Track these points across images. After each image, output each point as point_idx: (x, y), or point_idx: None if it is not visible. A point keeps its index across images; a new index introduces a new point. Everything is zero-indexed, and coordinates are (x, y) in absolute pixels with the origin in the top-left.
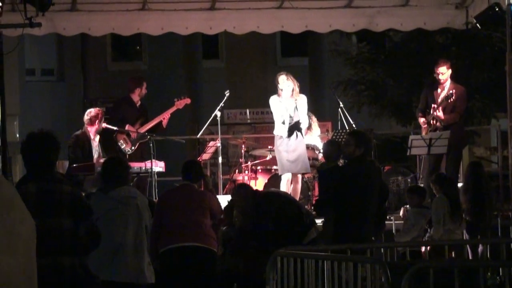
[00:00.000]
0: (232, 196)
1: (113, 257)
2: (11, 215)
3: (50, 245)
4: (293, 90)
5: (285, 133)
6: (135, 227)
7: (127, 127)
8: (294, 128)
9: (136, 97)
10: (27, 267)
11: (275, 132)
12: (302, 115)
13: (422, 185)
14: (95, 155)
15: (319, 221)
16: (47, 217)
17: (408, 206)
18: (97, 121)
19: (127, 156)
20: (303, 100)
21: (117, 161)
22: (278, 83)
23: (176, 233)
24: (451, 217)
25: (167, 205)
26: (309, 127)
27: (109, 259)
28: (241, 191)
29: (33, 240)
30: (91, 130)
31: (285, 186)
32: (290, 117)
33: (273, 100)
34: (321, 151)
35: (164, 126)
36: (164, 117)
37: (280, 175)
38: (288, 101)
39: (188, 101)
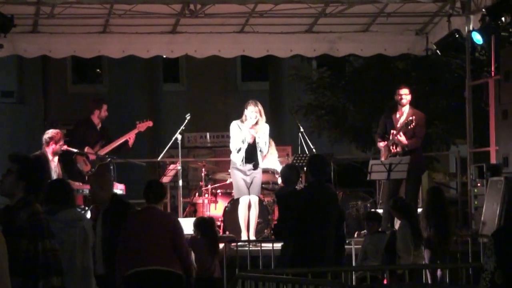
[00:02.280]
0: None
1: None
2: None
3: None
4: (256, 124)
5: (239, 162)
6: (82, 250)
7: (86, 149)
8: (250, 161)
9: (96, 119)
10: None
11: (232, 157)
12: (261, 143)
13: (381, 210)
14: (54, 176)
15: (278, 245)
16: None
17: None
18: (52, 142)
19: (86, 178)
20: (265, 128)
21: (63, 183)
22: (245, 108)
23: (139, 257)
24: (414, 242)
25: (131, 229)
26: (263, 156)
27: None
28: None
29: (4, 259)
30: (48, 151)
31: (243, 209)
32: (249, 145)
33: (233, 126)
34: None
35: (130, 145)
36: (129, 138)
37: (238, 199)
38: (248, 130)
39: (150, 124)
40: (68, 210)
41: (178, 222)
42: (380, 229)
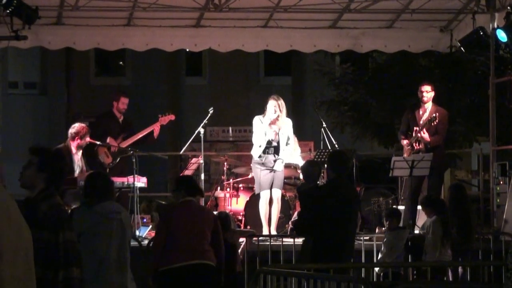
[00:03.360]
0: None
1: (96, 272)
2: (11, 226)
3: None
4: (277, 119)
5: (257, 156)
6: (119, 242)
7: (108, 139)
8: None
9: (116, 111)
10: (26, 276)
11: (252, 152)
12: (283, 139)
13: (403, 206)
14: (77, 170)
15: (299, 240)
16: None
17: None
18: (77, 137)
19: (108, 170)
20: (287, 124)
21: (102, 175)
22: (266, 103)
23: (182, 251)
24: (443, 240)
25: (171, 222)
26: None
27: (93, 274)
28: None
29: (31, 250)
30: (72, 145)
31: (264, 204)
32: (270, 141)
33: (256, 121)
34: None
35: (155, 137)
36: (155, 129)
37: (259, 193)
38: (269, 127)
39: (172, 117)
40: (105, 203)
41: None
42: (400, 225)
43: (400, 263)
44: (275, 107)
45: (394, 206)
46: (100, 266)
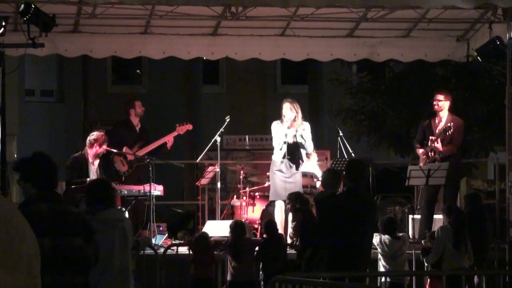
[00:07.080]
0: None
1: (99, 280)
2: (10, 233)
3: (64, 264)
4: (294, 120)
5: (280, 159)
6: (121, 250)
7: (124, 149)
8: (294, 158)
9: (134, 119)
10: (28, 285)
11: (274, 157)
12: (308, 141)
13: (419, 215)
14: (93, 178)
15: None
16: (60, 236)
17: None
18: (96, 144)
19: (123, 178)
20: (306, 127)
21: (104, 183)
22: (281, 109)
23: None
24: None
25: None
26: (307, 155)
27: (96, 281)
28: None
29: (36, 258)
30: (90, 153)
31: (279, 212)
32: (290, 144)
33: (274, 126)
34: (320, 179)
35: (169, 148)
36: (168, 140)
37: (274, 201)
38: (288, 129)
39: (190, 127)
40: (107, 211)
41: None
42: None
43: (417, 272)
44: (290, 109)
45: (393, 216)
46: (103, 273)
